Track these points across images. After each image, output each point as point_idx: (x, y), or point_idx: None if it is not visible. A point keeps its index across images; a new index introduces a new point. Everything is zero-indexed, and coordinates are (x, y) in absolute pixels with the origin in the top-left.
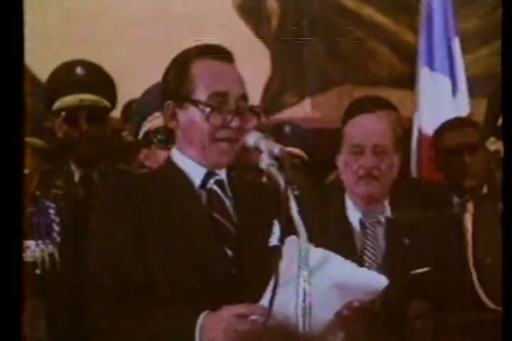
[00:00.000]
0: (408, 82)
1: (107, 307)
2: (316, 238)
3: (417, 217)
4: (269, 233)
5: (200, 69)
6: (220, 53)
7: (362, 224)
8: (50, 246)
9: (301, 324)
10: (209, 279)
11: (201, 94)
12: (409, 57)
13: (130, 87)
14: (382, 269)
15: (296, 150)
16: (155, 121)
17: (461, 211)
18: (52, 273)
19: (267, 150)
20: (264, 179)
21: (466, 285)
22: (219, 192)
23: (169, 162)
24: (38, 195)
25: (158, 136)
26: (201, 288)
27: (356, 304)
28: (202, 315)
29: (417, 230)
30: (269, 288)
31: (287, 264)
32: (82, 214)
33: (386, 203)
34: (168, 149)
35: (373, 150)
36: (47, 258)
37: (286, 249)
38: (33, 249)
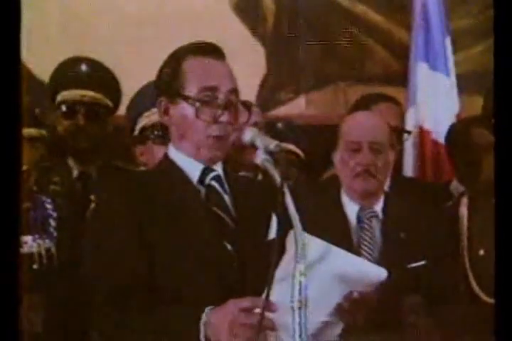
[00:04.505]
0: (401, 79)
1: (110, 306)
2: (313, 232)
3: (413, 211)
4: (267, 227)
5: (191, 65)
6: (211, 51)
7: (358, 218)
8: (47, 241)
9: (297, 316)
10: (211, 273)
11: (192, 90)
12: (402, 54)
13: (127, 85)
14: (378, 263)
15: (291, 147)
16: (151, 117)
17: (457, 204)
18: (49, 267)
19: (262, 146)
20: (260, 176)
21: (461, 278)
22: (217, 187)
23: (166, 158)
24: (35, 190)
25: (155, 132)
26: (204, 282)
27: (356, 295)
28: (206, 311)
29: (413, 224)
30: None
31: (290, 257)
32: (79, 209)
33: (382, 197)
34: (165, 145)
35: (370, 147)
36: (44, 253)
37: (289, 241)
38: (31, 244)
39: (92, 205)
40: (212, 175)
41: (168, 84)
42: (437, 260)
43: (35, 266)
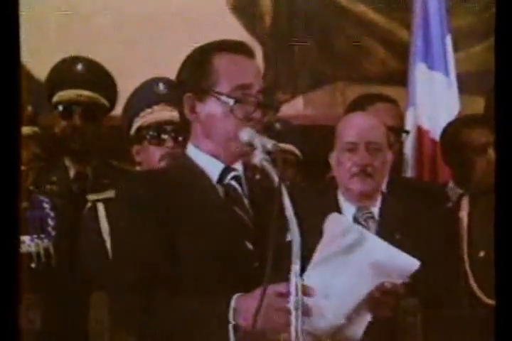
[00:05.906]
0: (401, 79)
1: (136, 299)
2: (309, 232)
3: (410, 211)
4: (284, 228)
5: (222, 63)
6: (242, 49)
7: (355, 219)
8: (45, 241)
9: (293, 318)
10: (233, 271)
11: (224, 87)
12: (401, 54)
13: (126, 85)
14: None
15: (289, 147)
16: (147, 117)
17: (457, 205)
18: (47, 267)
19: (260, 146)
20: (258, 177)
21: (460, 279)
22: (237, 187)
23: (185, 157)
24: (33, 190)
25: (150, 132)
26: (226, 280)
27: (388, 286)
28: (234, 298)
29: (410, 225)
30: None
31: (328, 241)
32: (77, 209)
33: (379, 198)
34: (160, 145)
35: (366, 147)
36: (42, 253)
37: (327, 225)
38: (29, 244)
39: (89, 204)
40: (232, 174)
41: (195, 81)
42: (435, 261)
43: (33, 266)
